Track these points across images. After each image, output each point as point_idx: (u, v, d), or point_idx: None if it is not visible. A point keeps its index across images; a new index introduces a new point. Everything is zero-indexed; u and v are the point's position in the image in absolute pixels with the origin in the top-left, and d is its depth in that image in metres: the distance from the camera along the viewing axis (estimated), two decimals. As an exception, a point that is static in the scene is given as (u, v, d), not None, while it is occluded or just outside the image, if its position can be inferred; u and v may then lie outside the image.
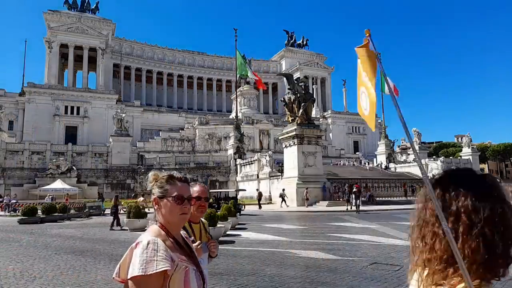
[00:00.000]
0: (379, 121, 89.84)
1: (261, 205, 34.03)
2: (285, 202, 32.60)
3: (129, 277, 1.57)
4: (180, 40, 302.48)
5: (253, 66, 76.64)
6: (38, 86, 68.56)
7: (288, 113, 36.71)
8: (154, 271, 1.54)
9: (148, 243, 1.62)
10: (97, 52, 77.80)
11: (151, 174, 1.91)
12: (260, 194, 35.04)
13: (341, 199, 31.89)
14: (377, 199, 34.53)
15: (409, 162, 60.13)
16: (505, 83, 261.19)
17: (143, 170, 51.80)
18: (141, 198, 27.30)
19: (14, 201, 33.27)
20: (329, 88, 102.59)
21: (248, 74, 50.99)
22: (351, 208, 27.48)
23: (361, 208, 26.89)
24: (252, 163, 47.17)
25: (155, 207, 1.82)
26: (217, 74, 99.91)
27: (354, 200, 26.80)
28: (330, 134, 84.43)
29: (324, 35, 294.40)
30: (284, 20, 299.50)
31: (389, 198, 35.58)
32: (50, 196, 36.38)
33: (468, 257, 1.02)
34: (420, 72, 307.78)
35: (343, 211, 27.38)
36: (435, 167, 52.68)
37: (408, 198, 37.08)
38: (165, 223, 1.78)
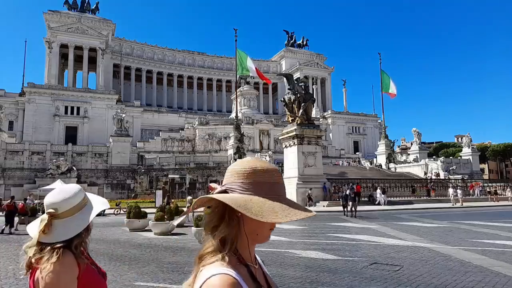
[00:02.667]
0: (379, 121, 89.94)
1: None
2: (311, 201, 32.21)
3: None
4: (180, 40, 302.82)
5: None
6: (38, 86, 68.55)
7: (288, 113, 36.68)
8: None
9: None
10: (97, 52, 77.81)
11: None
12: None
13: (339, 200, 31.57)
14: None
15: (409, 162, 60.17)
16: (505, 83, 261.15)
17: (143, 170, 51.80)
18: (189, 197, 26.96)
19: (37, 201, 32.33)
20: (329, 88, 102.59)
21: (248, 64, 49.88)
22: (347, 212, 24.82)
23: (359, 208, 26.31)
24: (252, 163, 47.09)
25: None
26: (217, 74, 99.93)
27: (350, 203, 23.98)
28: (330, 134, 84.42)
29: (324, 35, 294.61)
30: (284, 20, 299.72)
31: (390, 198, 35.55)
32: None
33: None
34: (420, 72, 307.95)
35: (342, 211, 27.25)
36: (435, 167, 52.67)
37: (409, 198, 37.15)
38: None
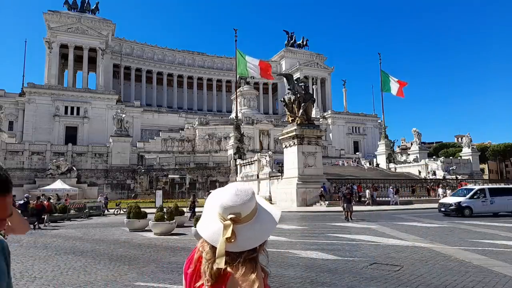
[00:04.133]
0: (379, 121, 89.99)
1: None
2: (323, 199, 32.30)
3: None
4: (180, 40, 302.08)
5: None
6: (38, 87, 68.58)
7: (288, 113, 36.65)
8: None
9: None
10: (97, 52, 77.84)
11: None
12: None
13: (339, 200, 31.56)
14: (377, 199, 34.50)
15: (409, 162, 60.17)
16: (505, 83, 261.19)
17: (143, 170, 51.80)
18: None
19: (53, 201, 32.76)
20: (329, 88, 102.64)
21: (246, 59, 49.41)
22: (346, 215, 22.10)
23: (358, 209, 25.94)
24: (252, 163, 47.12)
25: None
26: (217, 74, 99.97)
27: (344, 204, 21.80)
28: (330, 134, 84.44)
29: (324, 35, 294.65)
30: (284, 20, 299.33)
31: (390, 198, 35.53)
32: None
33: None
34: (420, 72, 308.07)
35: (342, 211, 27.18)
36: (435, 167, 52.69)
37: (409, 198, 37.11)
38: None
